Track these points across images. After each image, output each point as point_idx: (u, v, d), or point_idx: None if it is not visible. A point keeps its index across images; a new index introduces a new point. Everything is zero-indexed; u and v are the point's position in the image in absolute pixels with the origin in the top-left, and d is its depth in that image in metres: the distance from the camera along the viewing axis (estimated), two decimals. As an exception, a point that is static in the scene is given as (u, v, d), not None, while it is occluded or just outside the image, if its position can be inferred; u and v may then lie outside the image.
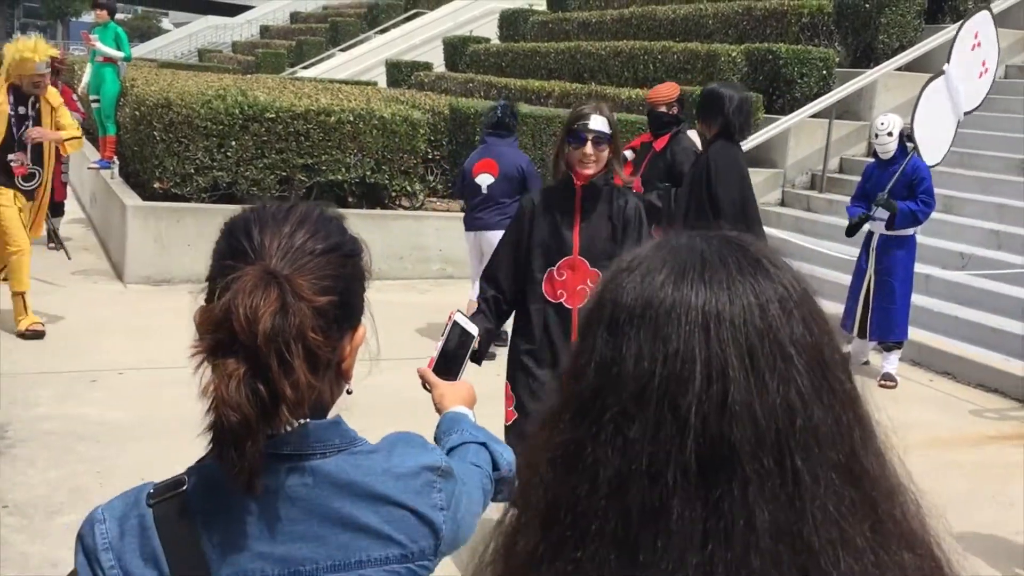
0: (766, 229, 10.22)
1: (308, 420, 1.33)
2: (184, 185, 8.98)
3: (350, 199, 9.58)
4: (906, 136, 7.07)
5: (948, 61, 7.01)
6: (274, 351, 1.22)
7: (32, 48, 6.77)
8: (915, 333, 7.52)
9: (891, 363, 7.23)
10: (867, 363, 7.45)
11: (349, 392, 1.44)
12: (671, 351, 0.80)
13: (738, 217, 5.60)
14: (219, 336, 1.23)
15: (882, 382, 7.09)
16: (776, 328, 0.81)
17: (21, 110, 6.97)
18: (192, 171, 8.97)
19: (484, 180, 7.11)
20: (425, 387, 2.01)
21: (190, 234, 8.60)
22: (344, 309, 1.34)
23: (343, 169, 9.43)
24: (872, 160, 7.52)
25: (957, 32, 7.14)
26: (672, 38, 13.79)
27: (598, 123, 3.85)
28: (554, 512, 0.83)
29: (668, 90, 7.10)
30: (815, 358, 0.81)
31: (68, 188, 10.69)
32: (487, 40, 18.74)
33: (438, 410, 1.93)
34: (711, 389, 0.78)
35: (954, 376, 7.52)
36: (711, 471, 0.78)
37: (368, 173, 9.56)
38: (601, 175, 3.94)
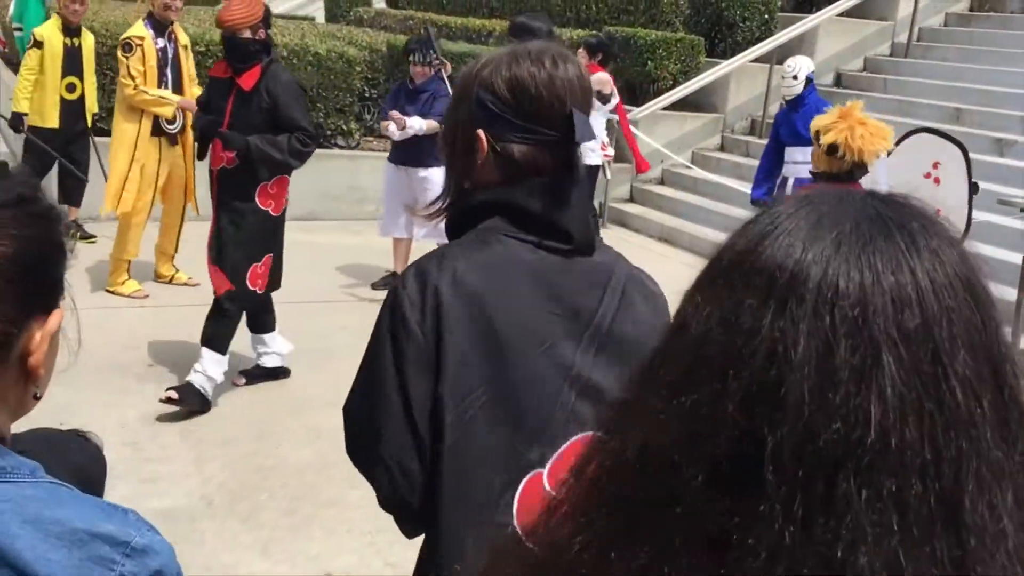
0: (704, 174, 10.21)
1: None
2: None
3: (284, 137, 9.33)
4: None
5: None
6: None
7: None
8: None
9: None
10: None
11: (37, 398, 1.09)
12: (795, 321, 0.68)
13: None
14: None
15: None
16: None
17: (160, 43, 6.50)
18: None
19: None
20: None
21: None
22: (31, 281, 1.04)
23: (277, 106, 9.17)
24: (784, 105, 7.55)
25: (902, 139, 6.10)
26: (615, -22, 13.60)
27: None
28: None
29: (250, 7, 4.92)
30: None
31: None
32: (427, -24, 18.33)
33: None
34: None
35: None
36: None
37: (302, 110, 9.31)
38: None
